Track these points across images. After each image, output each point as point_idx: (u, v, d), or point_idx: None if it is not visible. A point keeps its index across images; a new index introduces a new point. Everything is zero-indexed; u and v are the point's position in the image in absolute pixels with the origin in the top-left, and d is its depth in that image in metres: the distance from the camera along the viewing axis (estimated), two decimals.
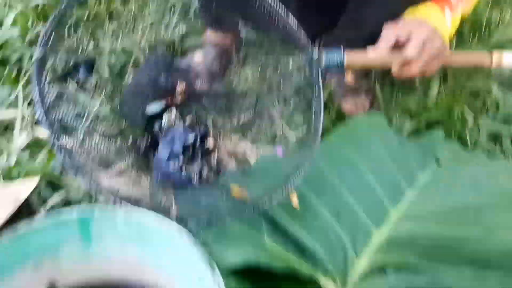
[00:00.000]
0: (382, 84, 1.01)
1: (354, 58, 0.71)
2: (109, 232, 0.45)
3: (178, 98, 0.86)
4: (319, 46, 1.04)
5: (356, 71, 0.99)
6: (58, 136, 0.62)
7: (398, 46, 0.72)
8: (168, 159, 0.75)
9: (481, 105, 0.95)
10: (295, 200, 0.65)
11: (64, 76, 0.79)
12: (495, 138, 0.89)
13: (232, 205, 0.64)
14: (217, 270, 0.40)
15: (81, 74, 0.78)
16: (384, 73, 1.02)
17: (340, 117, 0.94)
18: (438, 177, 0.76)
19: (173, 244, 0.44)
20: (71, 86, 0.82)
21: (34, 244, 0.42)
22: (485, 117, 0.92)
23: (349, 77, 1.02)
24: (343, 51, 0.70)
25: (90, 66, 0.78)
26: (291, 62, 0.79)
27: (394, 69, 0.73)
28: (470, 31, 1.21)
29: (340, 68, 0.71)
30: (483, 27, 1.21)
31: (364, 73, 1.03)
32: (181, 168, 0.75)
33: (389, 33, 0.72)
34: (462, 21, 1.21)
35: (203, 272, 0.41)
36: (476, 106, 0.95)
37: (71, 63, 0.80)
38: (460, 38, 1.19)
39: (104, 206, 0.48)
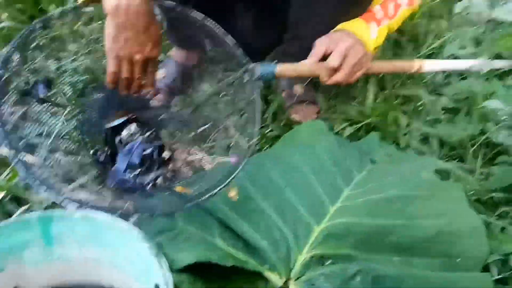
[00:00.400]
0: (328, 95, 1.11)
1: (284, 69, 0.83)
2: (68, 234, 0.50)
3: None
4: (271, 59, 1.15)
5: (304, 84, 1.09)
6: (19, 155, 0.67)
7: (326, 56, 0.82)
8: (125, 169, 0.81)
9: (413, 110, 1.06)
10: (233, 195, 0.72)
11: (23, 94, 0.83)
12: (425, 139, 1.00)
13: (175, 199, 0.70)
14: (164, 261, 0.47)
15: (40, 91, 0.83)
16: (330, 86, 1.12)
17: (289, 126, 1.03)
18: (371, 175, 0.86)
19: (126, 242, 0.50)
20: (34, 105, 0.87)
21: None
22: (416, 121, 1.03)
23: (298, 89, 1.12)
24: (275, 63, 0.84)
25: (48, 82, 0.83)
26: (236, 75, 0.88)
27: (322, 77, 0.84)
28: (409, 41, 1.34)
29: (272, 77, 0.85)
30: (420, 37, 1.34)
31: (312, 85, 1.13)
32: (137, 177, 0.81)
33: (318, 46, 0.83)
34: (401, 32, 1.35)
35: (151, 264, 0.47)
36: (409, 111, 1.06)
37: (31, 82, 0.84)
38: (399, 47, 1.31)
39: (63, 210, 0.54)
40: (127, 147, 0.87)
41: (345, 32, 0.85)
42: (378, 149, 0.94)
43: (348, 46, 0.81)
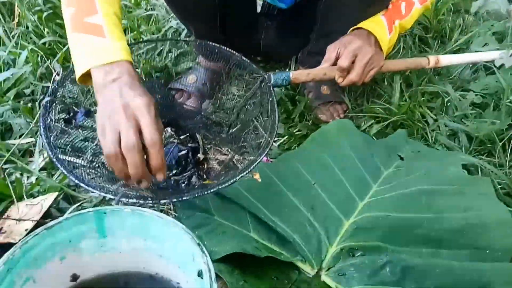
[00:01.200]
0: (354, 94, 1.14)
1: (298, 75, 0.90)
2: (119, 227, 0.56)
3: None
4: (297, 60, 1.20)
5: (330, 85, 1.13)
6: (63, 164, 0.73)
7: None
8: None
9: (441, 106, 1.07)
10: (257, 177, 0.76)
11: (66, 120, 0.91)
12: (453, 135, 1.01)
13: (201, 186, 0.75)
14: (205, 250, 0.52)
15: (79, 118, 0.90)
16: (356, 86, 1.15)
17: (316, 125, 1.06)
18: (399, 171, 0.88)
19: (170, 233, 0.55)
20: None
21: (61, 239, 0.52)
22: (444, 117, 1.04)
23: (324, 90, 1.15)
24: (289, 71, 0.92)
25: (87, 112, 0.90)
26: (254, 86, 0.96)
27: (336, 78, 0.89)
28: (434, 37, 1.35)
29: (288, 84, 0.92)
30: (446, 33, 1.34)
31: (338, 85, 1.16)
32: (172, 176, 0.87)
33: (330, 52, 0.89)
34: (426, 28, 1.36)
35: (195, 253, 0.52)
36: (436, 107, 1.07)
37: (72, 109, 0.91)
38: (425, 44, 1.32)
39: (114, 206, 0.59)
40: (164, 149, 0.93)
41: (357, 33, 0.88)
42: (406, 145, 0.96)
43: (357, 47, 0.86)
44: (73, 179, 0.69)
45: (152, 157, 0.61)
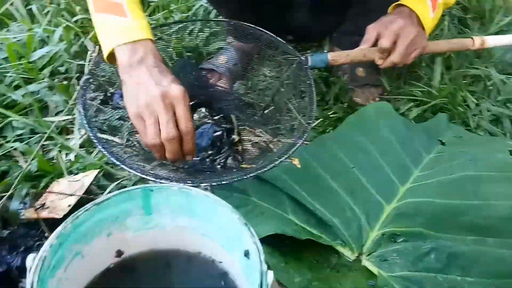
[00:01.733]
0: (390, 76, 1.10)
1: (336, 57, 0.86)
2: (165, 204, 0.55)
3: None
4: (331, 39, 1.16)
5: (366, 67, 1.09)
6: (101, 142, 0.73)
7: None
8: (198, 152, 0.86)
9: (483, 89, 1.03)
10: (296, 162, 0.74)
11: (103, 101, 0.91)
12: (496, 120, 0.97)
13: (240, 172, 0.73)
14: (253, 230, 0.51)
15: (116, 99, 0.89)
16: (392, 68, 1.11)
17: (352, 108, 1.03)
18: (441, 156, 0.85)
19: (216, 212, 0.54)
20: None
21: (108, 215, 0.52)
22: (486, 101, 1.00)
23: (360, 72, 1.12)
24: (327, 52, 0.88)
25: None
26: (290, 68, 0.93)
27: (376, 60, 0.85)
28: (474, 19, 1.29)
29: (325, 66, 0.88)
30: (486, 14, 1.28)
31: (374, 68, 1.12)
32: (207, 158, 0.86)
33: (369, 32, 0.85)
34: (465, 9, 1.30)
35: (242, 233, 0.51)
36: (478, 91, 1.03)
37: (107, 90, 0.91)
38: (464, 25, 1.27)
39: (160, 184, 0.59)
40: (199, 130, 0.92)
41: (398, 13, 0.84)
42: (447, 130, 0.93)
43: (400, 27, 0.81)
44: (113, 159, 0.69)
45: (185, 143, 0.65)
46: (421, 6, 0.87)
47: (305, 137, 0.77)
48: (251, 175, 0.69)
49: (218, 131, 0.94)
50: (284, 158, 0.72)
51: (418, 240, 0.70)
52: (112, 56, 0.68)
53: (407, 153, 0.85)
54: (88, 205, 0.50)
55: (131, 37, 0.65)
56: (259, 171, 0.69)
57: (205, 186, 0.70)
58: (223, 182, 0.68)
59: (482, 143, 0.88)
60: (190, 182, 0.68)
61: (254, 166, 0.79)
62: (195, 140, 0.67)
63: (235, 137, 0.96)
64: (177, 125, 0.63)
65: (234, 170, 0.83)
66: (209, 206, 0.55)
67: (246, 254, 0.52)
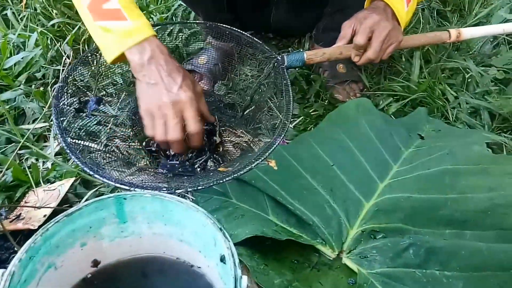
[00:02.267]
0: (370, 72, 1.10)
1: (313, 55, 0.86)
2: (139, 212, 0.55)
3: None
4: (311, 36, 1.16)
5: (346, 63, 1.10)
6: (73, 151, 0.72)
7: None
8: (173, 156, 0.86)
9: (461, 82, 1.03)
10: (273, 164, 0.75)
11: (77, 110, 0.89)
12: (475, 112, 0.98)
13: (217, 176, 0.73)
14: (227, 235, 0.51)
15: (91, 107, 0.88)
16: (372, 64, 1.11)
17: (332, 105, 1.03)
18: (420, 151, 0.86)
19: (191, 218, 0.54)
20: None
21: (81, 225, 0.51)
22: (465, 94, 1.00)
23: (340, 68, 1.12)
24: (303, 51, 0.87)
25: (99, 100, 0.89)
26: (267, 68, 0.93)
27: (352, 57, 0.85)
28: (453, 11, 1.30)
29: (302, 65, 0.89)
30: (465, 6, 1.29)
31: (354, 64, 1.12)
32: (187, 161, 0.86)
33: (345, 29, 0.84)
34: (444, 2, 1.31)
35: (217, 238, 0.51)
36: (457, 84, 1.03)
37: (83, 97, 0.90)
38: (443, 18, 1.28)
39: (133, 192, 0.59)
40: None
41: (371, 10, 0.84)
42: (426, 124, 0.93)
43: (374, 22, 0.81)
44: (87, 169, 0.68)
45: (193, 141, 0.74)
46: (395, 1, 0.87)
47: (281, 138, 0.77)
48: (227, 179, 0.69)
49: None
50: (260, 160, 0.72)
51: (397, 236, 0.71)
52: (117, 59, 0.72)
53: (386, 149, 0.86)
54: (58, 217, 0.50)
55: (135, 39, 0.69)
56: (235, 175, 0.69)
57: (181, 192, 0.70)
58: (199, 188, 0.68)
59: (460, 136, 0.89)
60: (165, 189, 0.68)
61: (231, 169, 0.78)
62: (203, 136, 0.77)
63: (216, 138, 0.96)
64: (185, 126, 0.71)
65: (211, 173, 0.83)
66: (184, 212, 0.54)
67: (222, 259, 0.52)
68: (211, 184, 0.67)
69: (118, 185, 0.65)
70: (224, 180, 0.67)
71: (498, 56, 1.08)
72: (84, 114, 0.87)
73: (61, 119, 0.79)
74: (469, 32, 0.96)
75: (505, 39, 1.14)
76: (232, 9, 1.03)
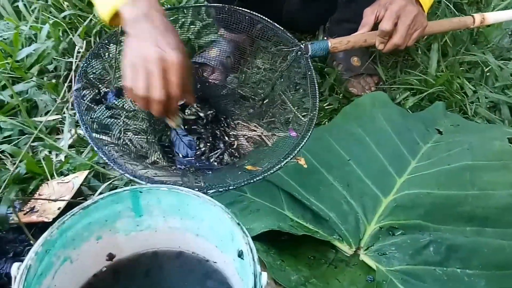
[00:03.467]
0: (386, 65, 1.08)
1: (337, 43, 0.82)
2: (155, 205, 0.54)
3: None
4: (325, 28, 1.14)
5: (361, 56, 1.07)
6: (95, 138, 0.72)
7: (378, 24, 0.80)
8: (190, 148, 0.85)
9: (480, 76, 1.01)
10: (302, 162, 0.73)
11: (97, 101, 0.88)
12: (494, 106, 0.95)
13: (246, 175, 0.71)
14: (246, 230, 0.49)
15: (110, 99, 0.87)
16: (388, 55, 1.09)
17: (347, 98, 1.01)
18: (438, 146, 0.84)
19: (208, 212, 0.53)
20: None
21: (96, 218, 0.51)
22: (484, 88, 0.98)
23: (355, 61, 1.09)
24: (327, 40, 0.84)
25: (118, 91, 0.88)
26: (290, 57, 0.90)
27: (377, 44, 0.81)
28: (470, 4, 1.27)
29: (326, 54, 0.84)
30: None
31: (369, 56, 1.10)
32: (201, 155, 0.84)
33: (367, 15, 0.81)
34: None
35: (235, 233, 0.50)
36: (475, 77, 1.01)
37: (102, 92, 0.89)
38: (460, 11, 1.24)
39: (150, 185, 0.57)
40: (188, 138, 0.90)
41: None
42: (444, 119, 0.91)
43: (399, 7, 0.78)
44: (117, 168, 0.67)
45: (169, 105, 0.67)
46: None
47: (309, 135, 0.75)
48: (257, 178, 0.67)
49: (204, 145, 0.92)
50: (290, 158, 0.69)
51: (417, 232, 0.69)
52: (113, 18, 0.68)
53: (404, 144, 0.84)
54: (74, 210, 0.49)
55: None
56: (265, 174, 0.67)
57: (213, 192, 0.67)
58: (230, 188, 0.66)
59: (480, 130, 0.86)
60: (197, 189, 0.65)
61: (258, 168, 0.76)
62: (177, 105, 0.70)
63: (230, 132, 0.94)
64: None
65: (236, 167, 0.81)
66: (201, 206, 0.53)
67: (240, 254, 0.51)
68: (242, 184, 0.65)
69: (142, 181, 0.63)
70: (255, 180, 0.66)
71: None
72: (105, 106, 0.86)
73: (85, 112, 0.78)
74: (493, 17, 0.92)
75: None
76: (243, 2, 1.01)
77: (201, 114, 0.95)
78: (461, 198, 0.72)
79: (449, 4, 1.24)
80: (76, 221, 0.50)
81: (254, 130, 0.97)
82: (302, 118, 0.97)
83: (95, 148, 0.69)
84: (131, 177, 0.67)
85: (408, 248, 0.66)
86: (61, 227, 0.48)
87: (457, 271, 0.63)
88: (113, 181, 0.75)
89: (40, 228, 0.65)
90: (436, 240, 0.66)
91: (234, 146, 0.91)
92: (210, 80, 1.09)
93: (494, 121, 0.92)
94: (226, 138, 0.93)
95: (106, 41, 0.88)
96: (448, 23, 0.91)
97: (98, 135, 0.81)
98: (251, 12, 0.89)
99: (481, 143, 0.81)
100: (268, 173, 0.68)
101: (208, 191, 0.65)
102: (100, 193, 0.71)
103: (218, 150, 0.88)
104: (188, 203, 0.54)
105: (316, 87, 0.80)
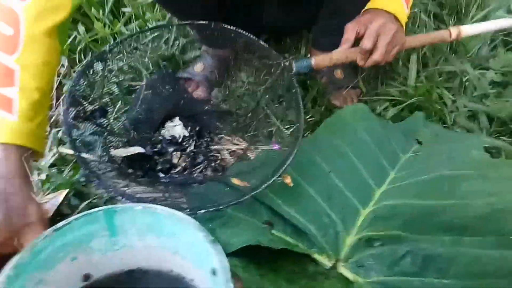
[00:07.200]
0: (368, 78, 1.09)
1: (320, 61, 0.83)
2: (130, 225, 0.54)
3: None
4: (311, 40, 1.15)
5: (344, 69, 1.09)
6: (80, 152, 0.72)
7: (359, 40, 0.83)
8: (168, 169, 0.86)
9: (459, 86, 1.02)
10: (288, 181, 0.74)
11: (84, 119, 0.89)
12: (473, 116, 0.97)
13: (233, 193, 0.72)
14: (220, 247, 0.50)
15: (97, 117, 0.88)
16: (369, 68, 1.11)
17: (330, 110, 1.03)
18: (418, 156, 0.85)
19: (183, 230, 0.53)
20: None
21: (70, 239, 0.51)
22: (463, 98, 0.99)
23: (338, 74, 1.11)
24: (310, 57, 0.85)
25: (104, 111, 0.89)
26: (274, 74, 0.91)
27: (358, 61, 0.84)
28: (450, 14, 1.29)
29: (310, 71, 0.86)
30: (462, 9, 1.28)
31: (352, 69, 1.11)
32: (184, 171, 0.85)
33: (348, 32, 0.83)
34: (441, 4, 1.31)
35: (208, 251, 0.50)
36: (454, 87, 1.02)
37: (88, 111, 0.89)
38: (440, 21, 1.27)
39: (124, 203, 0.58)
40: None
41: (374, 11, 0.84)
42: (424, 129, 0.92)
43: (379, 25, 0.80)
44: (102, 187, 0.67)
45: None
46: (394, 4, 0.86)
47: (296, 150, 0.76)
48: (245, 197, 0.68)
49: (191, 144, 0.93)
50: (277, 176, 0.71)
51: (395, 243, 0.69)
52: None
53: (384, 155, 0.85)
54: (47, 231, 0.49)
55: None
56: (254, 192, 0.68)
57: (201, 212, 0.67)
58: (220, 208, 0.67)
59: (458, 140, 0.88)
60: (187, 209, 0.65)
61: (245, 182, 0.77)
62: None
63: (212, 146, 0.95)
64: None
65: (221, 182, 0.81)
66: (176, 224, 0.54)
67: (214, 272, 0.51)
68: (232, 203, 0.66)
69: (137, 203, 0.63)
70: (243, 199, 0.67)
71: (496, 58, 1.07)
72: (92, 123, 0.86)
73: (74, 132, 0.79)
74: (469, 30, 0.94)
75: (502, 40, 1.13)
76: (221, 11, 1.02)
77: (185, 131, 0.96)
78: (439, 208, 0.72)
79: (430, 15, 1.27)
80: (49, 243, 0.50)
81: (238, 144, 0.98)
82: (285, 131, 0.99)
83: (83, 169, 0.70)
84: (117, 196, 0.68)
85: (386, 259, 0.67)
86: (34, 249, 0.48)
87: (434, 281, 0.63)
88: (93, 199, 0.75)
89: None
90: (413, 251, 0.66)
91: (218, 161, 0.92)
92: (194, 95, 1.11)
93: (473, 130, 0.93)
94: (210, 153, 0.94)
95: (94, 59, 0.89)
96: (426, 37, 0.93)
97: (83, 153, 0.82)
98: (236, 29, 0.90)
99: (459, 153, 0.82)
100: (257, 191, 0.69)
101: (198, 212, 0.65)
102: (80, 212, 0.71)
103: (201, 165, 0.88)
104: (164, 222, 0.54)
105: (301, 108, 0.81)
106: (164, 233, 0.55)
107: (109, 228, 0.55)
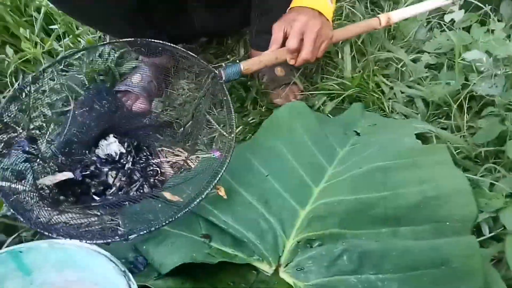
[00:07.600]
0: (309, 73, 1.08)
1: (249, 65, 0.81)
2: (42, 262, 0.52)
3: None
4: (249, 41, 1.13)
5: (285, 66, 1.07)
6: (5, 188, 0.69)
7: (287, 39, 0.81)
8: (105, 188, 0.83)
9: (396, 72, 1.02)
10: (222, 193, 0.72)
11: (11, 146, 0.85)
12: (410, 101, 0.97)
13: (168, 209, 0.70)
14: (130, 276, 0.48)
15: (24, 146, 0.84)
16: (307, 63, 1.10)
17: (270, 110, 1.01)
18: (354, 149, 0.84)
19: (97, 262, 0.51)
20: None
21: None
22: (400, 84, 0.99)
23: (279, 71, 1.09)
24: (239, 62, 0.83)
25: (32, 139, 0.85)
26: (205, 84, 0.90)
27: (288, 60, 0.82)
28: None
29: (240, 76, 0.83)
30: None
31: (292, 66, 1.10)
32: (119, 191, 0.83)
33: (276, 32, 0.81)
34: None
35: (119, 282, 0.48)
36: (391, 74, 1.02)
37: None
38: (377, 7, 1.26)
39: (31, 241, 0.55)
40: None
41: (298, 9, 0.83)
42: (361, 119, 0.92)
43: (303, 23, 0.79)
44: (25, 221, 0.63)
45: None
46: (318, 1, 0.85)
47: (228, 160, 0.73)
48: (179, 215, 0.65)
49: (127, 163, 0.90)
50: (210, 189, 0.69)
51: (334, 242, 0.69)
52: None
53: (321, 151, 0.84)
54: None
55: None
56: (187, 209, 0.66)
57: (133, 237, 0.64)
58: (151, 230, 0.64)
59: (394, 128, 0.88)
60: (117, 237, 0.61)
61: (178, 197, 0.75)
62: None
63: (151, 161, 0.93)
64: None
65: (159, 204, 0.79)
66: (87, 257, 0.52)
67: None
68: (163, 224, 0.64)
69: (43, 241, 0.60)
70: (176, 217, 0.64)
71: (431, 41, 1.07)
72: (22, 151, 0.83)
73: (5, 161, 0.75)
74: (399, 14, 0.93)
75: (437, 23, 1.13)
76: (151, 24, 0.99)
77: (121, 148, 0.93)
78: (373, 200, 0.72)
79: (367, 2, 1.26)
80: None
81: (178, 155, 0.96)
82: (227, 135, 0.97)
83: (5, 203, 0.66)
84: (40, 230, 0.64)
85: (324, 260, 0.66)
86: None
87: (371, 277, 0.63)
88: (20, 232, 0.72)
89: None
90: (348, 248, 0.66)
91: (157, 176, 0.90)
92: (134, 108, 1.07)
93: (410, 115, 0.94)
94: (149, 168, 0.91)
95: (26, 83, 0.85)
96: (355, 28, 0.92)
97: (12, 183, 0.78)
98: (164, 43, 0.87)
99: (392, 142, 0.82)
100: (188, 208, 0.66)
101: (129, 237, 0.63)
102: (7, 247, 0.67)
103: (137, 183, 0.86)
104: (74, 255, 0.52)
105: (233, 116, 0.78)
106: (78, 266, 0.53)
107: (20, 268, 0.52)
